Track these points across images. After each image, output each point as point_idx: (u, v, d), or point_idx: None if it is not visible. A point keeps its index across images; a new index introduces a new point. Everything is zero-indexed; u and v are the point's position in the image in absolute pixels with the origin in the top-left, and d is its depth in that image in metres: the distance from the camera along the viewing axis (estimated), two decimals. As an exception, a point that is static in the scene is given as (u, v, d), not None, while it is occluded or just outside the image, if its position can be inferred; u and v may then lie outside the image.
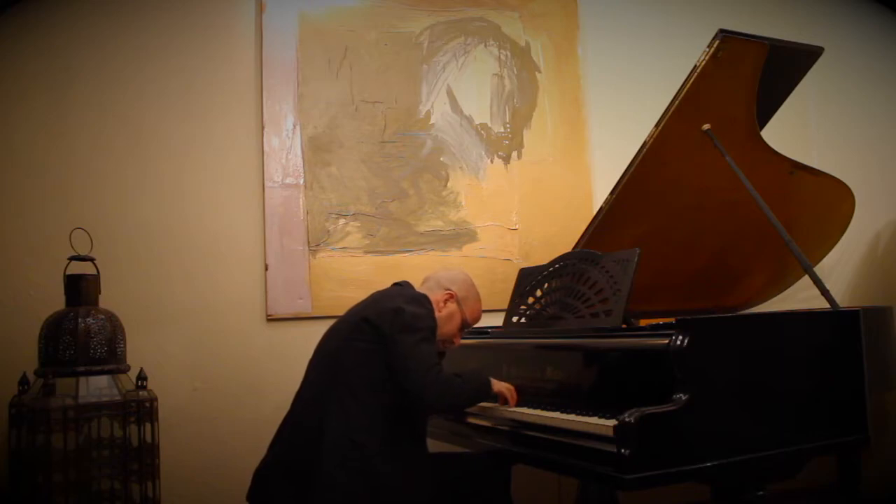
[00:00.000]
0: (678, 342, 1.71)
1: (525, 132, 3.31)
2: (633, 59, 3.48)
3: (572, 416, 1.89)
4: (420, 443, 2.01)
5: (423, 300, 2.07)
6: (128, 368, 2.42)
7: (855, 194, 2.76)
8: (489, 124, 3.26)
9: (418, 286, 2.24)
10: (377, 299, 2.08)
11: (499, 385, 2.13)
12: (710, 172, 2.48)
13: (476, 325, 2.79)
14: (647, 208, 2.57)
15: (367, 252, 3.02)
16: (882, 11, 3.48)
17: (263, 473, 1.96)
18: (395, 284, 2.22)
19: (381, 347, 1.93)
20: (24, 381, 2.32)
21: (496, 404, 2.15)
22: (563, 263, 2.40)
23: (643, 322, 2.12)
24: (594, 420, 1.80)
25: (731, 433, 1.75)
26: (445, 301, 2.18)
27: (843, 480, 2.26)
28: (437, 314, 2.12)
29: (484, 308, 3.05)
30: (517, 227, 3.25)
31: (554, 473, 2.27)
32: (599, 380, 2.00)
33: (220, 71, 2.94)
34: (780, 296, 3.08)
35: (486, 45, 3.30)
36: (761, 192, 2.33)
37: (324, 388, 1.95)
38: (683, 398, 1.67)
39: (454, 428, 2.32)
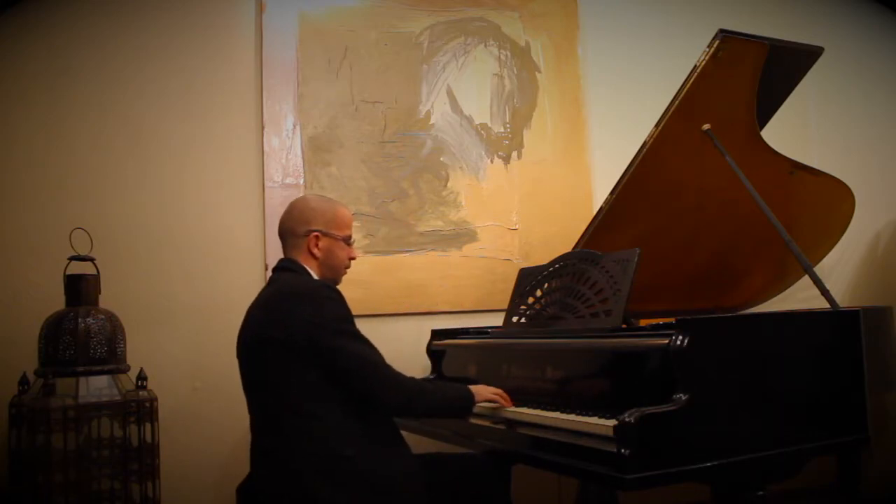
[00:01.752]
0: (678, 342, 1.71)
1: (525, 132, 3.31)
2: (633, 59, 3.48)
3: (572, 416, 1.89)
4: (398, 437, 1.94)
5: (321, 290, 1.88)
6: (128, 368, 2.42)
7: (855, 194, 2.76)
8: (489, 124, 3.26)
9: (285, 249, 2.03)
10: (274, 309, 1.88)
11: (485, 393, 2.07)
12: (710, 172, 2.48)
13: (475, 325, 2.81)
14: (647, 208, 2.57)
15: (367, 252, 3.02)
16: (882, 11, 3.49)
17: (247, 491, 1.89)
18: (279, 269, 2.01)
19: (311, 363, 1.79)
20: (24, 381, 2.32)
21: (496, 405, 2.14)
22: (563, 263, 2.40)
23: (643, 322, 2.12)
24: (594, 420, 1.80)
25: (731, 433, 1.75)
26: (315, 244, 1.99)
27: (843, 480, 2.26)
28: (319, 263, 1.99)
29: (484, 308, 3.10)
30: (517, 227, 3.25)
31: (554, 473, 2.27)
32: (599, 380, 2.00)
33: (220, 71, 2.94)
34: (780, 296, 3.08)
35: (486, 45, 3.29)
36: (761, 192, 2.33)
37: (273, 416, 1.85)
38: (683, 398, 1.67)
39: (455, 428, 2.31)
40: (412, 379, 1.95)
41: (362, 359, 1.84)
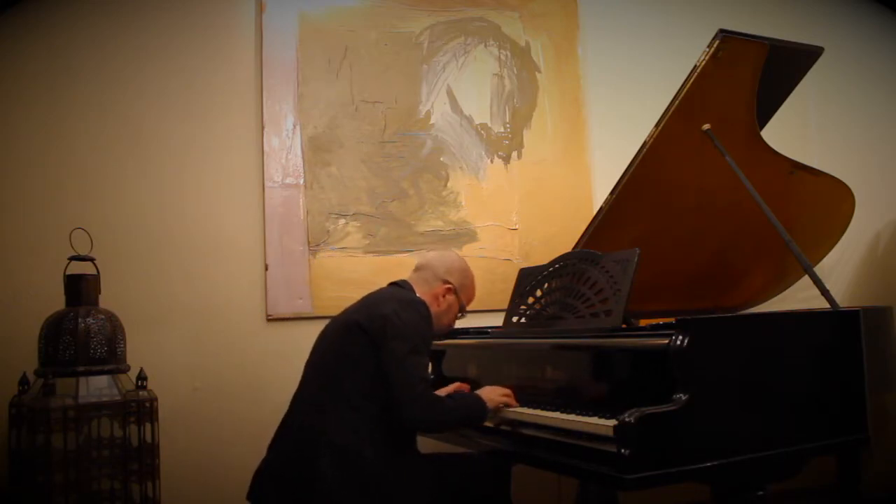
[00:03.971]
0: (678, 342, 1.71)
1: (525, 132, 3.31)
2: (633, 59, 3.48)
3: (572, 416, 1.89)
4: (417, 451, 1.99)
5: (418, 305, 1.99)
6: (128, 368, 2.42)
7: (855, 194, 2.76)
8: (489, 124, 3.26)
9: (411, 274, 2.19)
10: (371, 302, 2.02)
11: (495, 399, 2.08)
12: (710, 172, 2.48)
13: (475, 325, 2.81)
14: (647, 208, 2.57)
15: (367, 252, 3.02)
16: (882, 11, 3.48)
17: (263, 474, 1.94)
18: (393, 284, 2.17)
19: (373, 353, 1.89)
20: (24, 381, 2.32)
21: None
22: (563, 263, 2.40)
23: (643, 322, 2.12)
24: (594, 420, 1.80)
25: (731, 433, 1.75)
26: (444, 294, 2.15)
27: (843, 480, 2.26)
28: (435, 308, 2.09)
29: (484, 308, 3.08)
30: (517, 227, 3.25)
31: (554, 473, 2.27)
32: (599, 380, 2.00)
33: (220, 71, 2.94)
34: (780, 296, 3.08)
35: (486, 45, 3.30)
36: (761, 192, 2.33)
37: (320, 394, 1.93)
38: (683, 398, 1.67)
39: (454, 428, 2.31)
40: (440, 401, 1.97)
41: (407, 370, 1.87)
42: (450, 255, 2.27)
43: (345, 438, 1.83)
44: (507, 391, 2.13)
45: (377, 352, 1.88)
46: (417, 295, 2.10)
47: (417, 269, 2.21)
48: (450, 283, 2.15)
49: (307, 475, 1.81)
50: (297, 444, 1.89)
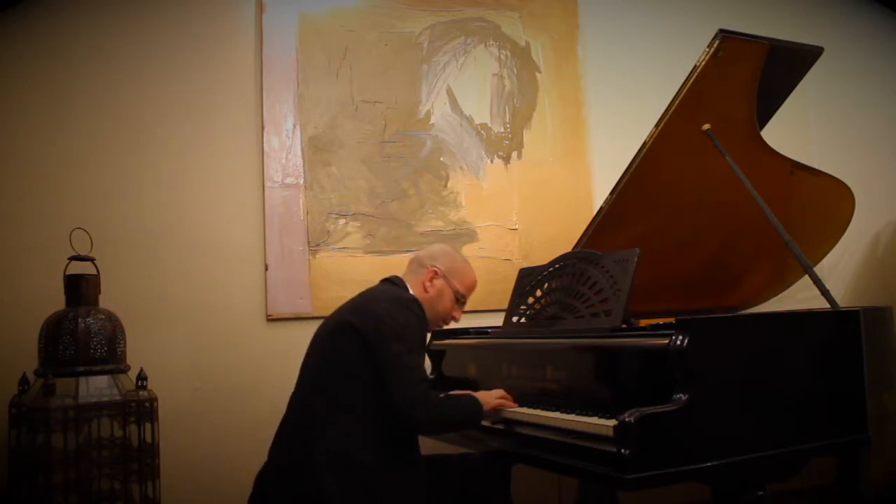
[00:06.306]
0: (678, 342, 1.71)
1: (525, 132, 3.31)
2: (633, 59, 3.49)
3: (572, 416, 1.89)
4: (415, 449, 1.96)
5: (410, 303, 1.96)
6: (128, 368, 2.42)
7: (855, 194, 2.76)
8: (489, 124, 3.26)
9: (404, 272, 2.17)
10: (362, 303, 1.99)
11: (492, 402, 2.07)
12: (710, 172, 2.48)
13: (476, 325, 2.81)
14: (647, 208, 2.57)
15: (367, 252, 3.02)
16: (882, 11, 3.49)
17: (263, 478, 1.93)
18: (385, 281, 2.14)
19: (367, 356, 1.85)
20: (24, 381, 2.32)
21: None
22: (563, 263, 2.40)
23: (643, 322, 2.12)
24: (594, 420, 1.80)
25: (730, 433, 1.75)
26: (431, 279, 2.10)
27: (843, 480, 2.26)
28: (425, 296, 2.07)
29: (484, 308, 3.10)
30: (517, 227, 3.25)
31: (554, 473, 2.27)
32: (599, 380, 2.00)
33: (220, 71, 2.94)
34: (780, 296, 3.08)
35: (486, 45, 3.30)
36: (761, 192, 2.33)
37: (313, 399, 1.89)
38: (683, 398, 1.67)
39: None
40: (442, 402, 1.97)
41: (405, 369, 1.85)
42: (438, 245, 2.24)
43: (341, 445, 1.80)
44: (502, 392, 2.13)
45: (372, 354, 1.85)
46: (410, 289, 2.08)
47: (409, 264, 2.19)
48: (435, 266, 2.12)
49: (305, 483, 1.78)
50: (294, 450, 1.86)
